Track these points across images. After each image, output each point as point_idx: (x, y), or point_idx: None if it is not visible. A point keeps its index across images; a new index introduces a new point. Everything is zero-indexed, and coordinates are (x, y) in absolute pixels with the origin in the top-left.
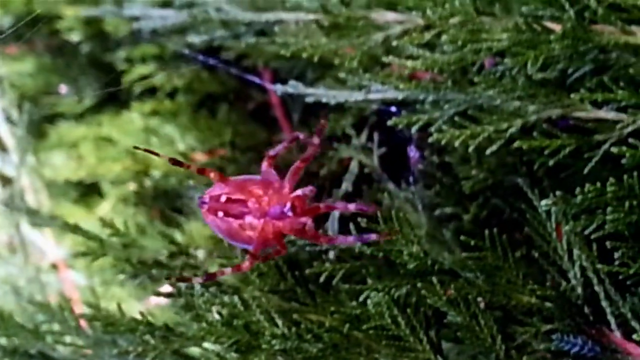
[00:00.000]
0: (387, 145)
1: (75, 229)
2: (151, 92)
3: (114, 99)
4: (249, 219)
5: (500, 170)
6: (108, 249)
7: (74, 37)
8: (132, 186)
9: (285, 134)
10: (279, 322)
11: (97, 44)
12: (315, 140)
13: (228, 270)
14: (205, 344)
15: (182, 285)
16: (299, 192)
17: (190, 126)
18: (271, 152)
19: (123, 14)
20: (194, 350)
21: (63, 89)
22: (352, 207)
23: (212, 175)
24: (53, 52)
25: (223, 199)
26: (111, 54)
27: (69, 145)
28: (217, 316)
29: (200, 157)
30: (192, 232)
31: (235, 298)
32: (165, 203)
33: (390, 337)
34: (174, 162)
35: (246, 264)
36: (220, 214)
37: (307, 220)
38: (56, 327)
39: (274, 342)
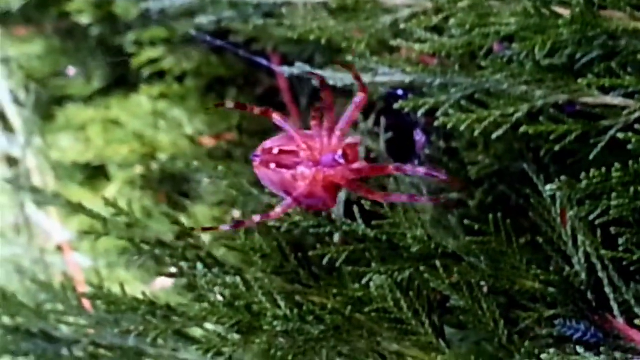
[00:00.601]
0: (394, 130)
1: (79, 207)
2: (160, 75)
3: (123, 81)
4: (301, 168)
5: (506, 156)
6: (111, 228)
7: (84, 19)
8: (138, 169)
9: (294, 118)
10: (281, 303)
11: (107, 26)
12: (363, 95)
13: (257, 217)
14: (207, 325)
15: (185, 265)
16: (350, 139)
17: (199, 110)
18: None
19: None
20: (197, 332)
21: (71, 71)
22: (421, 170)
23: (274, 115)
24: (62, 35)
25: (275, 151)
26: (121, 37)
27: (76, 127)
28: (219, 297)
29: (208, 141)
30: (198, 216)
31: (238, 279)
32: (172, 186)
33: (393, 320)
34: (237, 105)
35: (278, 210)
36: (273, 165)
37: (363, 169)
38: (59, 306)
39: (275, 323)
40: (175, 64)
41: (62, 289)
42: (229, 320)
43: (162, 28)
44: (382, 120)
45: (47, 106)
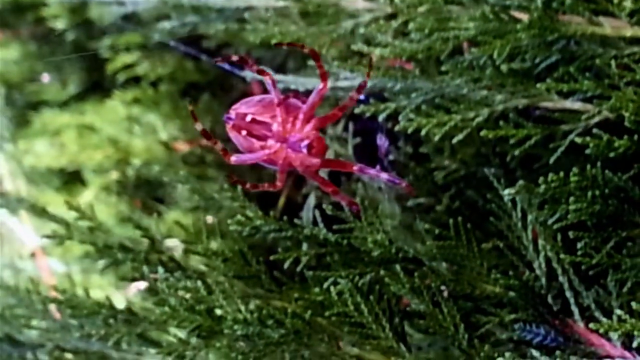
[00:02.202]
0: (363, 135)
1: (42, 212)
2: (135, 80)
3: (98, 87)
4: (270, 142)
5: (473, 161)
6: (75, 232)
7: (59, 24)
8: (114, 175)
9: None
10: (242, 307)
11: (82, 32)
12: (355, 95)
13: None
14: (170, 329)
15: (146, 269)
16: (318, 135)
17: (173, 115)
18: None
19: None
20: (162, 335)
21: (45, 77)
22: (384, 176)
23: (266, 77)
24: (38, 40)
25: (248, 118)
26: (96, 42)
27: (52, 132)
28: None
29: (182, 146)
30: (172, 222)
31: (199, 283)
32: (147, 192)
33: (353, 324)
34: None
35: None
36: (244, 132)
37: (317, 164)
38: (24, 311)
39: (235, 327)
40: (150, 69)
41: (27, 294)
42: (189, 324)
43: (137, 33)
44: (350, 126)
45: (23, 111)
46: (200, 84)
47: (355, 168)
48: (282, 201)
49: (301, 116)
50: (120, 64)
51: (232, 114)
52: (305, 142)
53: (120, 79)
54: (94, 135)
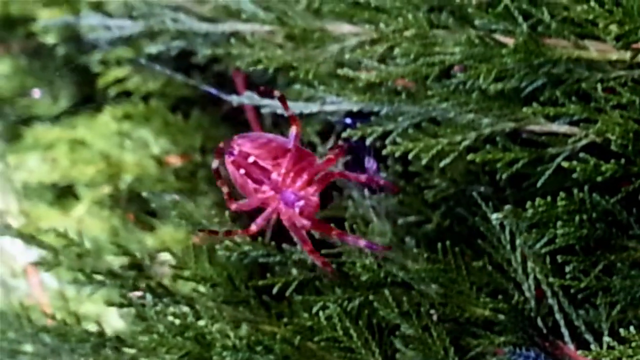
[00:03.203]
0: (353, 153)
1: (31, 238)
2: (127, 94)
3: (90, 101)
4: (265, 187)
5: (463, 180)
6: (63, 258)
7: (49, 39)
8: (106, 189)
9: None
10: (230, 333)
11: (73, 46)
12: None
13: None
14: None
15: (134, 296)
16: (315, 199)
17: (164, 129)
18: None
19: (81, 23)
20: None
21: (37, 92)
22: (363, 177)
23: (294, 127)
24: (29, 54)
25: (251, 160)
26: (87, 56)
27: (44, 147)
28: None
29: (174, 160)
30: (164, 236)
31: (187, 309)
32: (140, 206)
33: (343, 349)
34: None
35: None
36: (242, 171)
37: (307, 225)
38: (14, 335)
39: (224, 353)
40: (141, 83)
41: (17, 318)
42: (178, 351)
43: (128, 48)
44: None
45: (14, 126)
46: (190, 98)
47: (334, 233)
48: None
49: (305, 176)
50: (111, 78)
51: (236, 149)
52: (301, 202)
53: (112, 93)
54: (85, 150)
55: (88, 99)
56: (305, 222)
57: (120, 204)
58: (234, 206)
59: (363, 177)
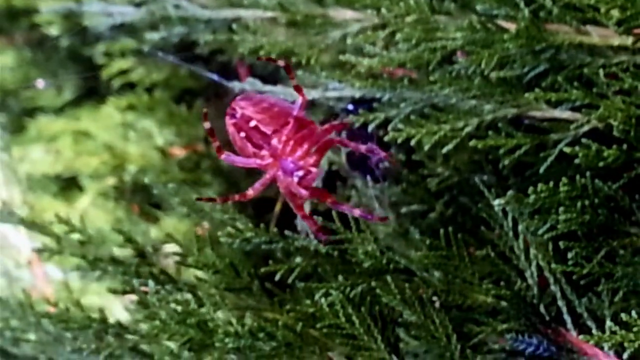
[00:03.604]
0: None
1: (33, 225)
2: (131, 86)
3: (94, 92)
4: (264, 152)
5: (466, 168)
6: (65, 246)
7: (53, 30)
8: (111, 180)
9: None
10: (233, 320)
11: (77, 38)
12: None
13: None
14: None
15: (136, 282)
16: (316, 170)
17: (168, 121)
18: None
19: (82, 10)
20: (155, 347)
21: (40, 83)
22: (357, 212)
23: (300, 97)
24: (33, 46)
25: (252, 124)
26: (90, 48)
27: (47, 139)
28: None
29: (178, 152)
30: (168, 228)
31: (189, 296)
32: (144, 197)
33: (345, 336)
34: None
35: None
36: (243, 134)
37: (305, 195)
38: (18, 323)
39: (227, 340)
40: (145, 75)
41: (20, 306)
42: (180, 338)
43: (132, 39)
44: (343, 133)
45: (18, 118)
46: (194, 89)
47: (329, 200)
48: (278, 206)
49: (306, 145)
50: (115, 69)
51: (238, 112)
52: (300, 172)
53: (116, 84)
54: (89, 142)
55: (92, 90)
56: (303, 191)
57: (124, 196)
58: (223, 156)
59: (363, 148)
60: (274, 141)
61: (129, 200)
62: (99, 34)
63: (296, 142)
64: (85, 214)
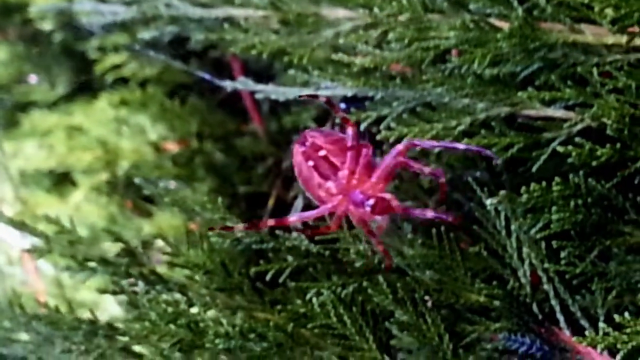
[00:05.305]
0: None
1: (22, 225)
2: (124, 81)
3: (87, 87)
4: (330, 184)
5: (459, 165)
6: (55, 245)
7: (46, 26)
8: (104, 176)
9: (255, 124)
10: (223, 320)
11: (70, 32)
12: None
13: (272, 221)
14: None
15: (125, 283)
16: (388, 195)
17: (161, 116)
18: (415, 142)
19: (73, 9)
20: (145, 348)
21: (33, 78)
22: (430, 214)
23: (349, 128)
24: (26, 41)
25: (322, 153)
26: (84, 43)
27: (41, 133)
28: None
29: (172, 147)
30: (161, 223)
31: (179, 296)
32: (138, 192)
33: (336, 336)
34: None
35: (291, 219)
36: (311, 163)
37: (380, 220)
38: (8, 323)
39: (217, 341)
40: (138, 69)
41: (8, 306)
42: (170, 339)
43: (124, 34)
44: (337, 130)
45: (11, 113)
46: (187, 84)
47: (396, 208)
48: (271, 202)
49: (374, 178)
50: (108, 64)
51: (309, 140)
52: (370, 201)
53: (109, 79)
54: (82, 137)
55: (85, 85)
56: (379, 218)
57: (117, 191)
58: (293, 218)
59: (427, 170)
60: (341, 174)
61: (123, 195)
62: (92, 29)
63: (361, 172)
64: (78, 209)
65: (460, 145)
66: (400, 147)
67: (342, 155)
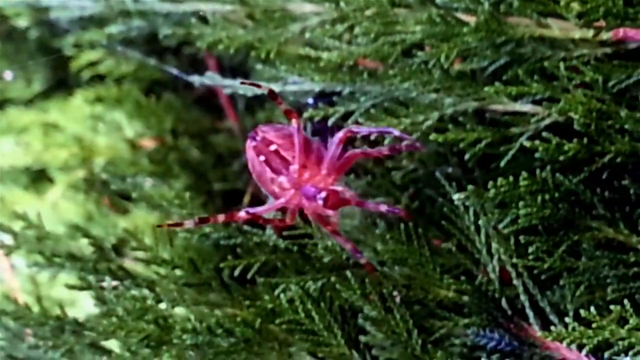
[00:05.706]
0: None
1: None
2: (100, 77)
3: (63, 84)
4: (282, 179)
5: (431, 160)
6: (22, 242)
7: (21, 22)
8: (80, 173)
9: (231, 120)
10: (191, 316)
11: (46, 29)
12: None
13: (221, 216)
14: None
15: (93, 279)
16: (339, 187)
17: (137, 113)
18: (353, 129)
19: (40, 3)
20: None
21: (8, 75)
22: (383, 207)
23: (293, 121)
24: (1, 38)
25: (272, 148)
26: (59, 39)
27: (17, 131)
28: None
29: (148, 143)
30: (138, 220)
31: (147, 292)
32: (114, 190)
33: (305, 332)
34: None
35: (240, 215)
36: (262, 158)
37: (332, 214)
38: None
39: (184, 336)
40: (114, 66)
41: None
42: (137, 334)
43: (101, 31)
44: (309, 126)
45: None
46: (163, 81)
47: (352, 201)
48: (247, 199)
49: (324, 171)
50: (84, 61)
51: (259, 135)
52: (322, 194)
53: (85, 76)
54: (58, 134)
55: (61, 82)
56: (330, 212)
57: (95, 188)
58: (242, 213)
59: (385, 150)
60: (293, 167)
61: (100, 192)
62: (68, 25)
63: (312, 166)
64: (55, 207)
65: (395, 131)
66: (340, 134)
67: (293, 149)
